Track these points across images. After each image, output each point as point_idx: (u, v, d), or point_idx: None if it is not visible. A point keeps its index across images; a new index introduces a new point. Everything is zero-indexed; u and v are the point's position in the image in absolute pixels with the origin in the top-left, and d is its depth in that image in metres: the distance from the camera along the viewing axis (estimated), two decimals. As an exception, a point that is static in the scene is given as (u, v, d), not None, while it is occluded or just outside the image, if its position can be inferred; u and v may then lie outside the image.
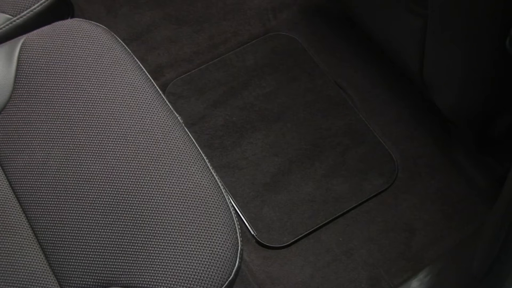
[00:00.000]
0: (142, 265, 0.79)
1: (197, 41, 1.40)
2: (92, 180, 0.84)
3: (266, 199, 1.22)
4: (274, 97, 1.33)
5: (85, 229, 0.82)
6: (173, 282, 0.77)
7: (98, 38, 0.95)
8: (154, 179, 0.83)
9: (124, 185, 0.83)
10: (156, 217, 0.81)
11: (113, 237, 0.81)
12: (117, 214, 0.82)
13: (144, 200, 0.82)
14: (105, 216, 0.82)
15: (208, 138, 1.29)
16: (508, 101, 1.08)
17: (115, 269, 0.80)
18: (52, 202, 0.85)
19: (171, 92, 1.34)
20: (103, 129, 0.87)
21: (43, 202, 0.85)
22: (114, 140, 0.87)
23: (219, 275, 0.78)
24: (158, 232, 0.80)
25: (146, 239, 0.80)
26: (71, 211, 0.83)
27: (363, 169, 1.24)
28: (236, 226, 0.81)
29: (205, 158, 0.86)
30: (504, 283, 0.73)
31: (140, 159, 0.85)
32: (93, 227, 0.82)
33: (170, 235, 0.80)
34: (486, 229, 0.80)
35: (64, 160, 0.86)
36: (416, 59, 1.07)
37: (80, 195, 0.84)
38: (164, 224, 0.80)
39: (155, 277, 0.78)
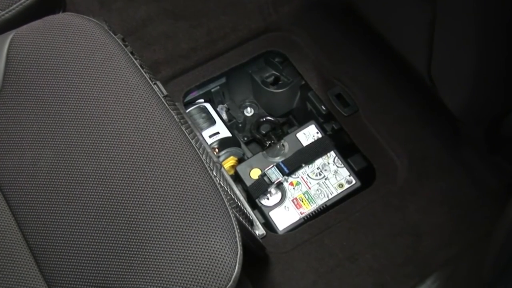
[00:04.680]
0: (137, 270, 0.78)
1: (194, 36, 1.40)
2: (84, 181, 0.84)
3: (266, 202, 1.22)
4: (275, 95, 1.33)
5: (77, 233, 0.82)
6: (170, 289, 0.77)
7: (90, 33, 0.95)
8: (149, 180, 0.83)
9: (118, 187, 0.83)
10: (152, 221, 0.81)
11: (106, 241, 0.81)
12: (110, 217, 0.82)
13: (139, 202, 0.82)
14: (98, 220, 0.82)
15: (206, 137, 1.29)
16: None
17: (109, 275, 0.79)
18: (43, 205, 0.85)
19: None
20: (96, 128, 0.87)
21: (33, 204, 0.85)
22: (107, 140, 0.86)
23: (217, 282, 0.78)
24: (153, 236, 0.80)
25: (141, 244, 0.80)
26: (63, 214, 0.83)
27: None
28: (236, 229, 0.81)
29: (203, 158, 0.86)
30: (516, 290, 0.73)
31: (135, 160, 0.85)
32: (86, 231, 0.82)
33: (166, 240, 0.79)
34: (497, 233, 0.80)
35: (55, 160, 0.86)
36: (424, 54, 1.07)
37: (72, 198, 0.84)
38: (160, 228, 0.80)
39: (150, 284, 0.78)
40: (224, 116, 1.38)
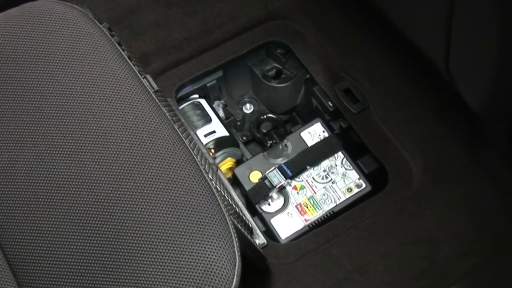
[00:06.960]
0: (125, 283, 0.78)
1: (188, 25, 1.40)
2: (67, 185, 0.84)
3: (267, 208, 1.22)
4: (277, 90, 1.34)
5: (59, 242, 0.82)
6: (161, 304, 0.77)
7: (73, 22, 0.95)
8: (138, 184, 0.83)
9: (104, 191, 0.83)
10: (141, 228, 0.81)
11: (91, 251, 0.81)
12: (96, 225, 0.82)
13: (127, 208, 0.82)
14: (82, 227, 0.82)
15: (201, 137, 1.29)
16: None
17: (94, 289, 0.80)
18: (21, 211, 0.84)
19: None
20: (80, 126, 0.87)
21: (10, 210, 0.85)
22: (92, 139, 0.86)
23: (213, 296, 0.78)
24: (143, 245, 0.80)
25: (129, 254, 0.80)
26: (43, 221, 0.83)
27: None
28: (234, 238, 0.81)
29: (197, 160, 0.86)
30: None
31: (123, 162, 0.85)
32: (68, 239, 0.82)
33: (157, 249, 0.79)
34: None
35: (35, 162, 0.86)
36: (441, 46, 1.07)
37: (53, 203, 0.84)
38: (150, 236, 0.80)
39: (139, 298, 0.78)
40: (221, 113, 1.38)
